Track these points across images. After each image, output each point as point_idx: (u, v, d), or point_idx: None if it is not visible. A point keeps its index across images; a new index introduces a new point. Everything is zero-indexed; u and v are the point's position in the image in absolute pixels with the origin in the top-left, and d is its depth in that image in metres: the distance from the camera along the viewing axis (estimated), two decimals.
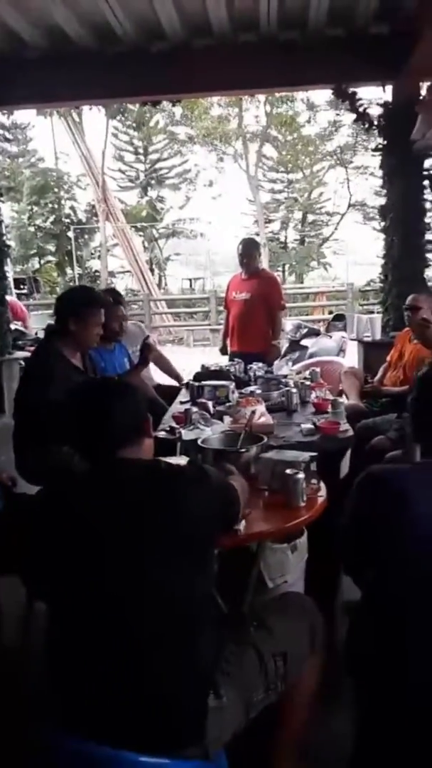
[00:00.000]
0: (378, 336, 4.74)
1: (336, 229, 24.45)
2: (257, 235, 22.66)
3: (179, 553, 1.25)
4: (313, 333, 6.27)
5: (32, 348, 5.90)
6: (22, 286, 13.23)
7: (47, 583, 1.32)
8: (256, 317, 4.66)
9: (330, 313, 10.16)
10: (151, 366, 4.03)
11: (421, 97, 4.28)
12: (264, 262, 20.60)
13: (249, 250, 4.64)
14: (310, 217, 25.39)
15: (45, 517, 1.35)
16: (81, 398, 1.54)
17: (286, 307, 5.26)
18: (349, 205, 23.35)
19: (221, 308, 4.81)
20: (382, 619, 1.42)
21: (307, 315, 14.35)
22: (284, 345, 6.22)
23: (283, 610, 1.61)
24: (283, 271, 23.58)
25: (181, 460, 2.08)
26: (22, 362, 5.48)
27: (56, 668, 1.25)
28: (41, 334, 6.32)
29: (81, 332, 2.66)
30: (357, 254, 21.67)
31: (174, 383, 4.15)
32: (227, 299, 4.88)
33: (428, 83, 4.28)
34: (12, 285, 12.83)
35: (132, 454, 1.43)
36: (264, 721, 1.47)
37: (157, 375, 4.22)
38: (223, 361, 4.46)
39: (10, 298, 7.23)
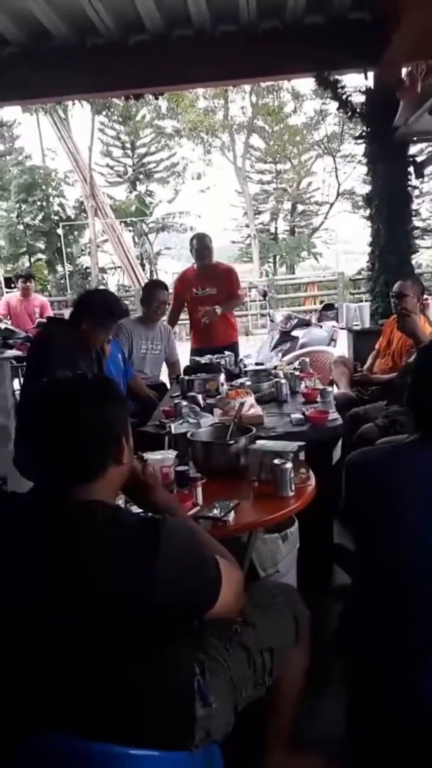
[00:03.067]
0: (367, 324, 4.74)
1: (326, 218, 24.42)
2: (247, 226, 22.65)
3: (112, 616, 1.06)
4: (304, 323, 6.28)
5: (22, 346, 5.89)
6: (13, 285, 13.18)
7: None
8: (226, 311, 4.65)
9: (321, 303, 10.16)
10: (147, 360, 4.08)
11: (402, 83, 4.26)
12: (254, 254, 20.66)
13: (204, 243, 4.59)
14: (300, 208, 25.32)
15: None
16: (35, 406, 1.24)
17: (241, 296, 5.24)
18: (338, 194, 23.30)
19: None
20: (372, 602, 1.43)
21: (298, 306, 14.34)
22: (275, 336, 6.24)
23: (267, 604, 1.58)
24: (274, 263, 23.55)
25: (169, 454, 2.09)
26: (13, 361, 5.47)
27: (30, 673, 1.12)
28: (32, 333, 6.33)
29: (89, 335, 2.72)
30: (347, 243, 21.70)
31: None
32: (183, 295, 4.71)
33: (409, 69, 4.26)
34: (3, 284, 12.82)
35: (90, 490, 1.15)
36: (254, 711, 1.48)
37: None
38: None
39: (42, 298, 7.20)
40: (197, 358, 4.02)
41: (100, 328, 2.73)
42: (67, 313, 5.42)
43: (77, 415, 1.15)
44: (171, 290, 4.35)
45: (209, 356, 4.00)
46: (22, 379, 5.37)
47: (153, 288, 4.11)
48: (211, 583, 1.18)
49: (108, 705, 1.10)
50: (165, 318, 4.41)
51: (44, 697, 1.09)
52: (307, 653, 1.60)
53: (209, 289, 4.59)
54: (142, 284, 16.66)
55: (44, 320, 6.91)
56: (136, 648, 1.10)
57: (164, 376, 4.32)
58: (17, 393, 5.39)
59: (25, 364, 3.59)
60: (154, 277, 22.70)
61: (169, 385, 4.06)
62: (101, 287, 13.06)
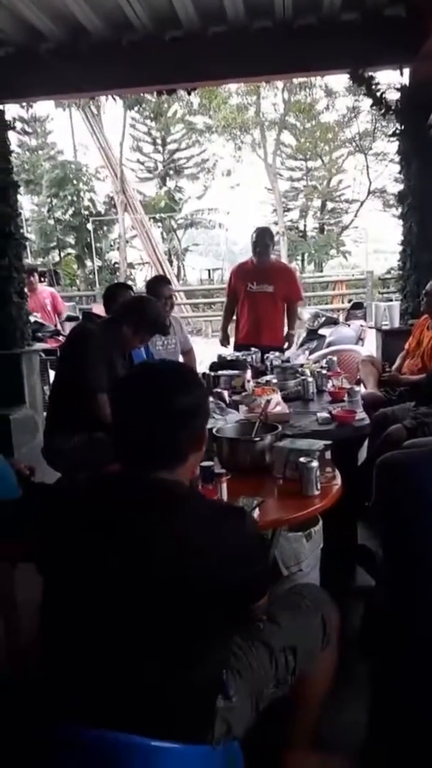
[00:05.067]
0: (396, 324, 4.69)
1: (356, 216, 24.16)
2: (276, 224, 22.53)
3: (187, 596, 1.11)
4: (331, 322, 6.24)
5: (51, 339, 5.97)
6: (42, 279, 13.34)
7: (51, 580, 1.23)
8: (278, 310, 4.64)
9: (349, 301, 10.07)
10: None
11: None
12: (282, 251, 20.56)
13: (264, 239, 4.55)
14: (330, 205, 25.11)
15: (61, 516, 1.26)
16: (126, 390, 1.27)
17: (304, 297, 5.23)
18: (369, 192, 23.03)
19: None
20: (404, 602, 1.42)
21: (326, 304, 14.24)
22: (302, 334, 6.21)
23: (294, 604, 1.58)
24: (303, 260, 23.39)
25: None
26: (42, 354, 5.54)
27: (59, 660, 1.20)
28: (60, 326, 6.41)
29: (126, 338, 2.83)
30: (377, 242, 21.44)
31: None
32: (237, 289, 4.70)
33: None
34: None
35: (170, 474, 1.21)
36: (278, 711, 1.48)
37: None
38: (236, 352, 4.41)
39: (51, 288, 7.31)
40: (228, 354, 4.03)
41: (139, 336, 2.85)
42: (95, 307, 5.50)
43: (174, 402, 1.20)
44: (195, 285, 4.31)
45: (235, 352, 4.00)
46: (52, 372, 5.43)
47: (157, 284, 4.06)
48: (267, 575, 1.31)
49: (136, 692, 1.12)
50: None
51: (77, 677, 1.13)
52: (335, 655, 1.59)
53: (266, 285, 4.54)
54: (170, 280, 16.74)
55: (73, 315, 7.00)
56: (185, 633, 1.13)
57: None
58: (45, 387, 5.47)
59: (58, 356, 3.67)
60: (182, 273, 22.87)
61: None
62: (130, 280, 13.17)
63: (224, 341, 4.95)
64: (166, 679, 1.14)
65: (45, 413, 3.98)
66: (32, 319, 5.66)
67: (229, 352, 4.25)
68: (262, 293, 4.55)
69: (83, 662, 1.15)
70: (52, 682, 1.19)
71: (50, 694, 1.16)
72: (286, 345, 4.77)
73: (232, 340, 4.91)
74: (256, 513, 1.75)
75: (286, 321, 4.77)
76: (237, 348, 4.48)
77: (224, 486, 1.87)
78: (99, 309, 5.47)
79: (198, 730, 1.21)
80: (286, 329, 4.80)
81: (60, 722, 1.10)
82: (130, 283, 12.14)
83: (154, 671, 1.13)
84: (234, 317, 4.83)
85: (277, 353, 4.08)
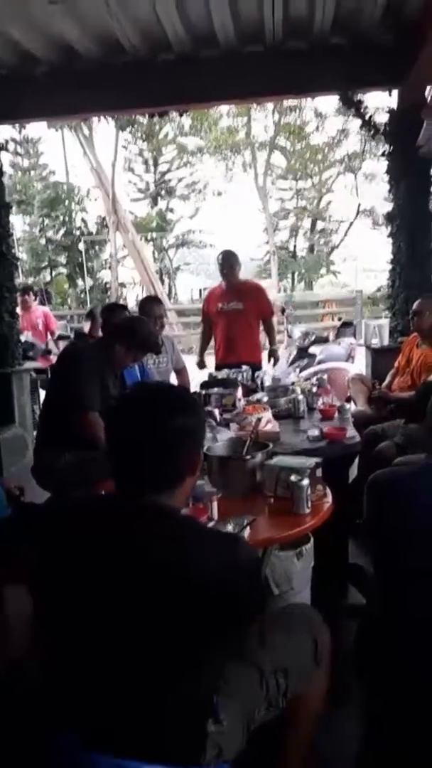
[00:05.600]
0: (386, 342, 4.72)
1: (345, 236, 24.43)
2: (266, 243, 22.73)
3: (184, 617, 1.11)
4: (322, 340, 6.28)
5: (42, 358, 5.96)
6: (34, 298, 13.34)
7: (48, 601, 1.23)
8: (251, 326, 4.69)
9: (339, 320, 10.13)
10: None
11: (425, 103, 4.27)
12: (273, 270, 20.72)
13: (228, 260, 4.62)
14: (320, 225, 25.37)
15: (52, 538, 1.24)
16: (123, 411, 1.25)
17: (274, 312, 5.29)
18: (358, 212, 23.33)
19: None
20: (391, 621, 1.41)
21: (317, 322, 14.32)
22: (292, 352, 6.24)
23: (285, 625, 1.56)
24: (293, 279, 23.58)
25: None
26: (33, 373, 5.53)
27: (52, 679, 1.20)
28: (52, 345, 6.40)
29: (119, 357, 2.83)
30: (367, 261, 21.64)
31: None
32: (210, 311, 4.78)
33: None
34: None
35: (165, 498, 1.20)
36: (270, 732, 1.46)
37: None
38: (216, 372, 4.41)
39: (43, 308, 7.33)
40: (217, 373, 4.03)
41: (132, 355, 2.87)
42: (86, 326, 5.53)
43: (172, 423, 1.19)
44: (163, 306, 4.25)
45: (226, 371, 4.00)
46: (42, 391, 5.42)
47: (148, 303, 4.06)
48: (263, 598, 1.31)
49: (128, 715, 1.11)
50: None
51: (71, 699, 1.13)
52: (327, 676, 1.56)
53: (234, 303, 4.60)
54: (161, 299, 16.78)
55: (65, 334, 7.01)
56: (179, 656, 1.12)
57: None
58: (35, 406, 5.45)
59: (50, 375, 3.67)
60: (173, 292, 22.95)
61: None
62: (122, 300, 13.20)
63: (201, 365, 4.98)
64: (158, 703, 1.13)
65: (35, 432, 3.96)
66: (23, 338, 5.66)
67: (207, 373, 4.25)
68: (233, 311, 4.61)
69: (77, 685, 1.14)
70: (46, 703, 1.17)
71: (44, 716, 1.14)
72: (272, 361, 4.85)
73: (212, 363, 4.94)
74: (246, 532, 1.74)
75: (266, 338, 4.87)
76: (217, 368, 4.51)
77: (215, 504, 1.86)
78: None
79: (189, 753, 1.19)
80: (268, 346, 4.88)
81: (53, 744, 1.08)
82: (122, 302, 12.17)
83: (147, 695, 1.12)
84: (213, 341, 4.89)
85: (265, 370, 4.10)
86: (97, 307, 6.48)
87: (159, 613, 1.11)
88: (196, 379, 4.28)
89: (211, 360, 4.96)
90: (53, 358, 5.69)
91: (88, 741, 1.09)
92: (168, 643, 1.12)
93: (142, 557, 1.13)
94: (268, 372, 4.16)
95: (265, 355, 4.89)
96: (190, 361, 4.67)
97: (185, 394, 1.34)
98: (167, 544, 1.14)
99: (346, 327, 7.05)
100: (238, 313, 4.59)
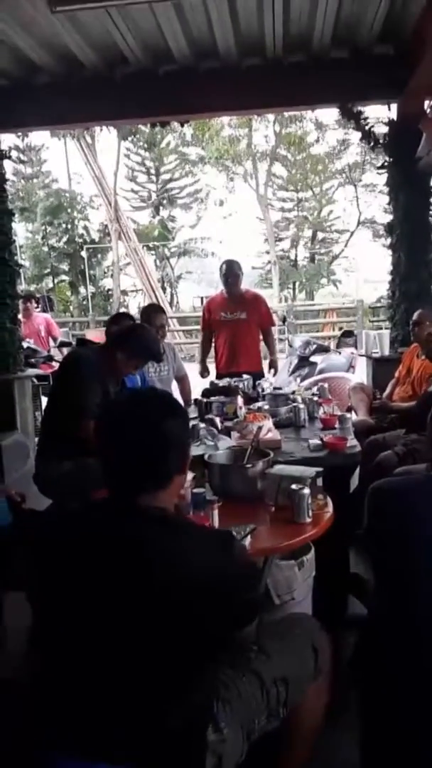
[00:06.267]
0: (386, 352, 4.73)
1: (346, 246, 24.54)
2: (267, 253, 22.81)
3: (173, 615, 1.12)
4: (322, 349, 6.29)
5: (44, 365, 5.97)
6: (37, 305, 13.39)
7: (45, 608, 1.24)
8: (253, 337, 4.73)
9: (340, 329, 10.16)
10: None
11: (425, 115, 4.31)
12: (274, 280, 20.79)
13: (233, 269, 4.65)
14: (320, 235, 25.50)
15: (49, 545, 1.27)
16: (111, 417, 1.31)
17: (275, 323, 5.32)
18: (359, 223, 23.45)
19: None
20: (391, 634, 1.41)
21: (317, 332, 14.35)
22: (293, 361, 6.25)
23: (285, 633, 1.56)
24: (294, 289, 23.66)
25: (187, 476, 2.08)
26: (35, 380, 5.53)
27: (49, 689, 1.20)
28: (54, 352, 6.42)
29: (120, 365, 2.83)
30: (367, 271, 21.72)
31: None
32: (211, 320, 4.79)
33: None
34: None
35: (156, 499, 1.23)
36: (270, 742, 1.45)
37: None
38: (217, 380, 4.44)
39: (45, 315, 7.35)
40: (219, 382, 4.04)
41: (133, 363, 2.86)
42: (88, 333, 5.55)
43: (163, 423, 1.24)
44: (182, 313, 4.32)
45: (228, 379, 4.01)
46: (44, 398, 5.42)
47: (151, 312, 4.10)
48: (257, 601, 1.34)
49: (128, 723, 1.11)
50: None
51: (69, 707, 1.13)
52: (327, 686, 1.56)
53: (238, 313, 4.63)
54: (163, 307, 16.82)
55: (67, 341, 7.02)
56: (177, 659, 1.13)
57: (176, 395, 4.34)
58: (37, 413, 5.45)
59: (52, 382, 3.67)
60: (175, 300, 23.02)
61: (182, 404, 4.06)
62: (123, 307, 13.25)
63: (203, 373, 4.98)
64: (156, 709, 1.13)
65: (37, 439, 3.97)
66: (25, 344, 5.67)
67: (209, 382, 4.27)
68: (235, 320, 4.63)
69: (75, 692, 1.14)
70: (44, 710, 1.17)
71: (41, 724, 1.14)
72: (271, 371, 4.85)
73: (213, 371, 4.95)
74: (248, 540, 1.74)
75: (267, 348, 4.90)
76: (218, 377, 4.52)
77: (216, 513, 1.86)
78: (92, 335, 5.49)
79: (189, 763, 1.18)
80: (269, 356, 4.90)
81: (50, 753, 1.08)
82: (123, 310, 12.20)
83: (144, 701, 1.12)
84: (213, 349, 4.90)
85: (266, 378, 4.12)
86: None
87: (154, 614, 1.12)
88: (197, 387, 4.29)
89: (211, 368, 4.97)
90: (55, 365, 5.70)
91: (84, 750, 1.09)
92: (164, 645, 1.12)
93: (136, 560, 1.15)
94: (269, 381, 4.16)
95: (265, 365, 4.89)
96: (191, 369, 4.69)
97: (171, 399, 1.38)
98: (159, 545, 1.16)
99: (346, 337, 7.08)
100: (241, 323, 4.61)
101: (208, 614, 1.15)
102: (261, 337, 4.86)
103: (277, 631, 1.58)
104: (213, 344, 4.87)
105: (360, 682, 1.53)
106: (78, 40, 4.22)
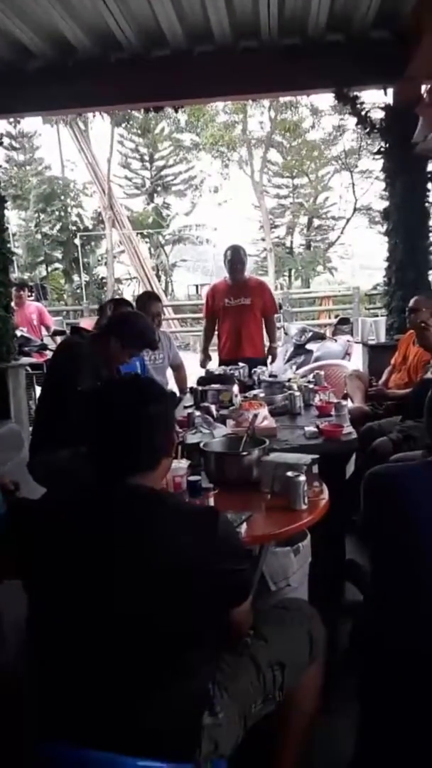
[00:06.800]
0: (382, 339, 4.73)
1: (342, 233, 24.45)
2: (263, 240, 22.71)
3: (166, 593, 1.14)
4: (318, 337, 6.28)
5: (38, 354, 5.94)
6: (29, 294, 13.32)
7: (40, 593, 1.24)
8: (257, 323, 4.73)
9: (336, 317, 10.15)
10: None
11: (421, 100, 4.27)
12: (270, 267, 20.72)
13: (239, 255, 4.65)
14: (316, 222, 25.37)
15: (42, 530, 1.27)
16: (99, 402, 1.34)
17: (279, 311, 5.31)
18: (355, 210, 23.33)
19: None
20: (388, 618, 1.41)
21: (313, 319, 14.33)
22: (289, 348, 6.24)
23: (281, 619, 1.58)
24: (290, 276, 23.59)
25: (181, 464, 2.08)
26: (29, 368, 5.51)
27: (44, 677, 1.20)
28: (47, 341, 6.39)
29: (114, 352, 2.80)
30: (363, 258, 21.70)
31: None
32: (215, 307, 4.77)
33: (428, 86, 4.27)
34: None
35: (145, 479, 1.27)
36: (265, 727, 1.46)
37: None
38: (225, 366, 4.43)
39: (37, 304, 7.30)
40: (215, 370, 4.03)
41: (127, 350, 2.83)
42: (82, 322, 5.52)
43: (149, 407, 1.28)
44: (159, 302, 4.22)
45: (223, 367, 4.00)
46: (38, 387, 5.41)
47: (147, 300, 4.06)
48: (248, 579, 1.33)
49: (123, 709, 1.11)
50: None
51: (65, 693, 1.14)
52: (322, 669, 1.58)
53: (242, 299, 4.62)
54: (159, 294, 16.77)
55: (60, 329, 6.99)
56: (174, 641, 1.14)
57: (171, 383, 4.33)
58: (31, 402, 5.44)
59: (46, 370, 3.64)
60: (170, 289, 22.94)
61: (178, 393, 4.06)
62: (117, 295, 13.17)
63: (204, 362, 4.95)
64: (151, 694, 1.13)
65: (31, 428, 3.95)
66: (19, 333, 5.64)
67: (214, 367, 4.27)
68: (240, 306, 4.62)
69: (71, 678, 1.15)
70: (40, 699, 1.17)
71: (37, 712, 1.15)
72: (270, 359, 4.85)
73: (214, 358, 4.93)
74: (243, 528, 1.74)
75: (267, 336, 4.88)
76: (221, 364, 4.52)
77: (211, 500, 1.86)
78: (86, 323, 5.46)
79: (185, 748, 1.19)
80: (267, 343, 4.89)
81: (46, 741, 1.08)
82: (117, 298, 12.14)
83: (139, 685, 1.13)
84: (216, 336, 4.90)
85: (263, 367, 4.10)
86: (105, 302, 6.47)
87: (146, 595, 1.13)
88: (194, 375, 4.28)
89: (213, 356, 4.95)
90: (49, 354, 5.68)
91: (80, 737, 1.09)
92: (157, 626, 1.13)
93: (129, 537, 1.17)
94: (264, 368, 4.16)
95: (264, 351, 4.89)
96: (186, 358, 4.68)
97: (154, 384, 1.41)
98: (150, 521, 1.18)
99: (343, 324, 7.07)
100: (245, 309, 4.61)
101: (200, 590, 1.16)
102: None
103: (273, 616, 1.60)
104: (216, 332, 4.85)
105: (357, 668, 1.54)
106: (71, 24, 4.16)
